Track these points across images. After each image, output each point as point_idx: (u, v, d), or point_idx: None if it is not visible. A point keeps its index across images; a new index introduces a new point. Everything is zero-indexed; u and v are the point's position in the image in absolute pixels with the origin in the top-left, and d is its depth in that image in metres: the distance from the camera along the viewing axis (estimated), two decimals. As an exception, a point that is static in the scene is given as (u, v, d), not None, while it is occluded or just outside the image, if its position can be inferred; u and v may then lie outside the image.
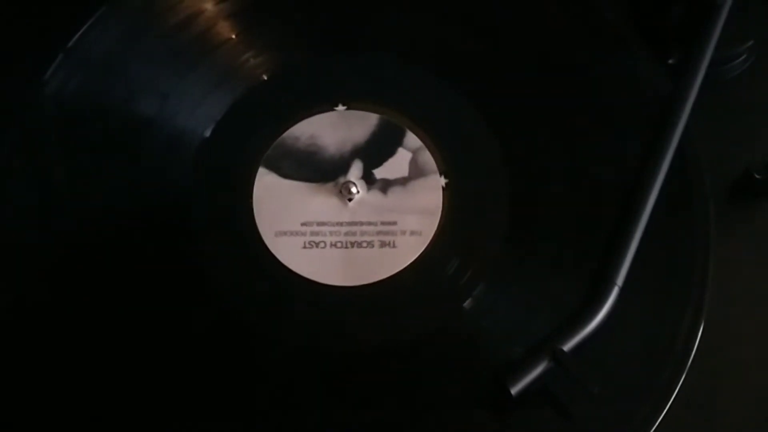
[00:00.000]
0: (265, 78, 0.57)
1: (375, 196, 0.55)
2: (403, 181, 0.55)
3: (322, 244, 0.53)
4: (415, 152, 0.56)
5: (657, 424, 0.48)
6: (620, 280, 0.50)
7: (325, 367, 0.50)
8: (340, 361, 0.50)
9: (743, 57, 0.60)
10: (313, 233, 0.53)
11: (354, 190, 0.54)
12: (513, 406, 0.48)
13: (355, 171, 0.55)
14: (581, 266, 0.52)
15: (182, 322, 0.50)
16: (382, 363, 0.50)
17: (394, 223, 0.54)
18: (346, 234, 0.54)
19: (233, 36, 0.58)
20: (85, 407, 0.48)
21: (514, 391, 0.47)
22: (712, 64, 0.57)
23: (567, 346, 0.48)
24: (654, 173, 0.53)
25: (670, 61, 0.60)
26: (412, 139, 0.56)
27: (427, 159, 0.55)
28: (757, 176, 0.55)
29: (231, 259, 0.52)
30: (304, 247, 0.53)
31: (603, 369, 0.48)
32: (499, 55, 0.58)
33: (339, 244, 0.53)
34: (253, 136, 0.56)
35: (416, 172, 0.55)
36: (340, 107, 0.56)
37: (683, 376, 0.49)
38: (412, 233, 0.54)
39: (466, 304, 0.51)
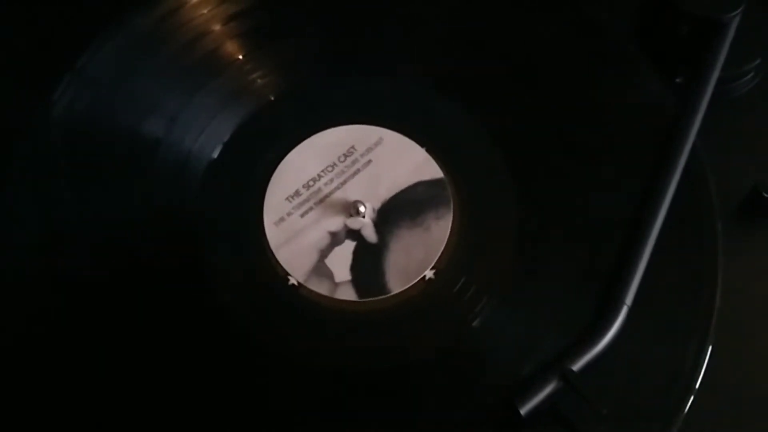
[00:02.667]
0: (272, 99, 0.58)
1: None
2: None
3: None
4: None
5: (667, 443, 0.48)
6: (629, 299, 0.50)
7: (331, 386, 0.49)
8: (348, 381, 0.50)
9: (750, 75, 0.60)
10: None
11: (361, 208, 0.54)
12: (522, 427, 0.48)
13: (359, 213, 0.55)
14: (590, 286, 0.51)
15: (193, 343, 0.50)
16: (390, 382, 0.50)
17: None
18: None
19: (240, 57, 0.58)
20: (93, 421, 0.48)
21: (523, 411, 0.47)
22: (720, 82, 0.57)
23: (576, 366, 0.48)
24: (662, 192, 0.53)
25: (678, 80, 0.60)
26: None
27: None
28: (765, 194, 0.55)
29: (241, 280, 0.52)
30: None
31: (612, 389, 0.48)
32: (506, 75, 0.58)
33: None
34: (261, 157, 0.56)
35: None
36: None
37: (692, 396, 0.49)
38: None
39: (475, 323, 0.51)
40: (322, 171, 0.56)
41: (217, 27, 0.59)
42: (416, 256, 0.53)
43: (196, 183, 0.55)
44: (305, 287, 0.52)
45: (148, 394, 0.49)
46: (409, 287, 0.52)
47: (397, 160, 0.56)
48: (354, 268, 0.53)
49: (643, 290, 0.51)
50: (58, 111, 0.56)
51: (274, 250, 0.53)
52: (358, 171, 0.56)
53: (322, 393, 0.49)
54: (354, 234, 0.54)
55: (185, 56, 0.58)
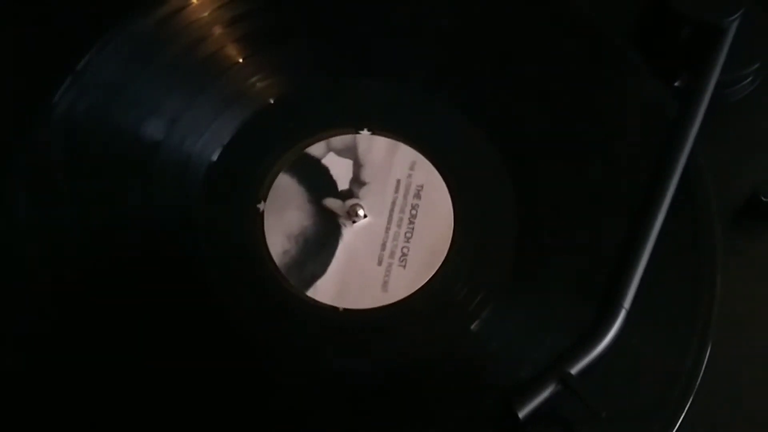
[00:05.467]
0: (272, 102, 0.58)
1: (366, 191, 0.56)
2: (358, 164, 0.56)
3: (405, 249, 0.54)
4: (330, 149, 0.56)
5: (665, 447, 0.48)
6: (627, 302, 0.50)
7: (330, 389, 0.50)
8: (347, 384, 0.50)
9: (749, 79, 0.60)
10: (391, 255, 0.54)
11: (360, 212, 0.54)
12: (521, 430, 0.48)
13: (337, 205, 0.55)
14: (589, 289, 0.52)
15: (192, 345, 0.50)
16: (389, 386, 0.50)
17: (399, 180, 0.56)
18: (399, 224, 0.55)
19: (240, 60, 0.58)
20: (92, 421, 0.48)
21: (521, 414, 0.47)
22: (719, 86, 0.57)
23: (575, 369, 0.48)
24: (661, 196, 0.53)
25: (677, 84, 0.60)
26: (317, 148, 0.57)
27: (339, 138, 0.57)
28: (764, 199, 0.55)
29: (241, 282, 0.53)
30: (404, 266, 0.53)
31: (611, 392, 0.48)
32: (505, 79, 0.59)
33: (408, 234, 0.54)
34: (260, 160, 0.56)
35: (349, 151, 0.56)
36: (262, 204, 0.55)
37: (691, 399, 0.49)
38: (412, 166, 0.56)
39: (474, 326, 0.51)
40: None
41: (217, 30, 0.59)
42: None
43: (196, 185, 0.55)
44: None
45: (146, 394, 0.49)
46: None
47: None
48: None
49: (642, 294, 0.51)
50: (58, 113, 0.56)
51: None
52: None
53: (321, 396, 0.49)
54: (354, 184, 0.56)
55: (185, 59, 0.58)
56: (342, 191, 0.55)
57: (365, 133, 0.57)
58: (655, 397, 0.49)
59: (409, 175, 0.56)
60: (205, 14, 0.59)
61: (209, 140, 0.56)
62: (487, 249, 0.54)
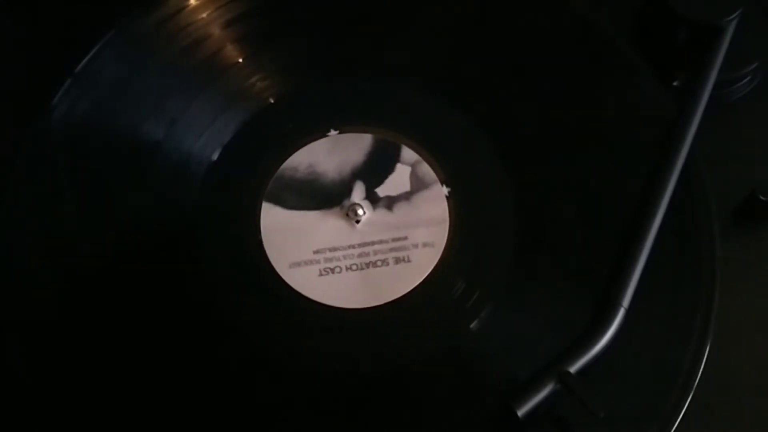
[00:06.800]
0: (272, 101, 0.58)
1: (381, 214, 0.55)
2: (406, 196, 0.55)
3: (337, 270, 0.53)
4: (413, 165, 0.56)
5: (663, 446, 0.48)
6: (626, 301, 0.50)
7: (329, 389, 0.50)
8: (345, 384, 0.50)
9: (748, 79, 0.60)
10: (326, 260, 0.53)
11: (360, 212, 0.54)
12: (520, 429, 0.48)
13: (358, 192, 0.55)
14: (587, 288, 0.52)
15: (191, 344, 0.51)
16: (388, 386, 0.50)
17: (405, 238, 0.54)
18: (360, 256, 0.54)
19: (240, 60, 0.58)
20: (91, 421, 0.49)
21: (520, 413, 0.47)
22: (717, 86, 0.57)
23: (573, 368, 0.48)
24: (659, 196, 0.53)
25: (675, 84, 0.60)
26: (408, 153, 0.56)
27: (426, 170, 0.56)
28: (762, 198, 0.55)
29: (240, 282, 0.53)
30: (320, 275, 0.53)
31: (609, 391, 0.48)
32: (503, 79, 0.59)
33: (354, 267, 0.53)
34: (261, 160, 0.56)
35: (418, 184, 0.56)
36: (333, 132, 0.57)
37: (689, 399, 0.49)
38: (424, 245, 0.54)
39: (473, 325, 0.51)
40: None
41: (216, 30, 0.59)
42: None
43: (196, 185, 0.55)
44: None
45: (146, 395, 0.49)
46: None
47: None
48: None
49: (641, 293, 0.51)
50: (58, 115, 0.56)
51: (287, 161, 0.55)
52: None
53: (320, 396, 0.49)
54: (387, 200, 0.55)
55: (185, 59, 0.58)
56: (375, 193, 0.56)
57: (444, 189, 0.55)
58: (653, 396, 0.49)
59: (416, 246, 0.54)
60: (204, 15, 0.59)
61: (209, 140, 0.56)
62: (485, 247, 0.54)
